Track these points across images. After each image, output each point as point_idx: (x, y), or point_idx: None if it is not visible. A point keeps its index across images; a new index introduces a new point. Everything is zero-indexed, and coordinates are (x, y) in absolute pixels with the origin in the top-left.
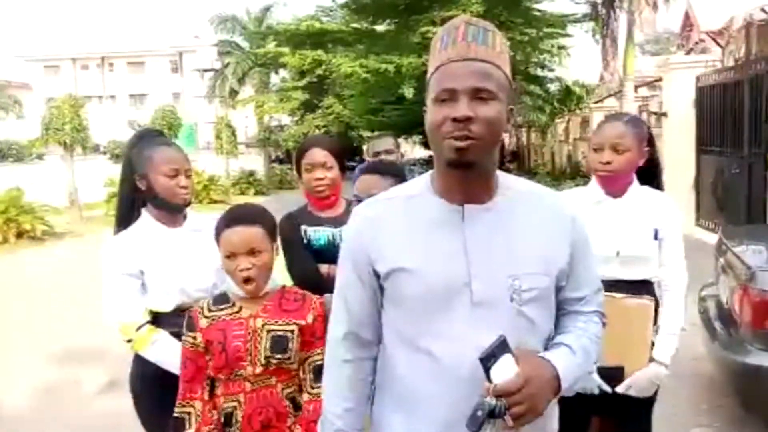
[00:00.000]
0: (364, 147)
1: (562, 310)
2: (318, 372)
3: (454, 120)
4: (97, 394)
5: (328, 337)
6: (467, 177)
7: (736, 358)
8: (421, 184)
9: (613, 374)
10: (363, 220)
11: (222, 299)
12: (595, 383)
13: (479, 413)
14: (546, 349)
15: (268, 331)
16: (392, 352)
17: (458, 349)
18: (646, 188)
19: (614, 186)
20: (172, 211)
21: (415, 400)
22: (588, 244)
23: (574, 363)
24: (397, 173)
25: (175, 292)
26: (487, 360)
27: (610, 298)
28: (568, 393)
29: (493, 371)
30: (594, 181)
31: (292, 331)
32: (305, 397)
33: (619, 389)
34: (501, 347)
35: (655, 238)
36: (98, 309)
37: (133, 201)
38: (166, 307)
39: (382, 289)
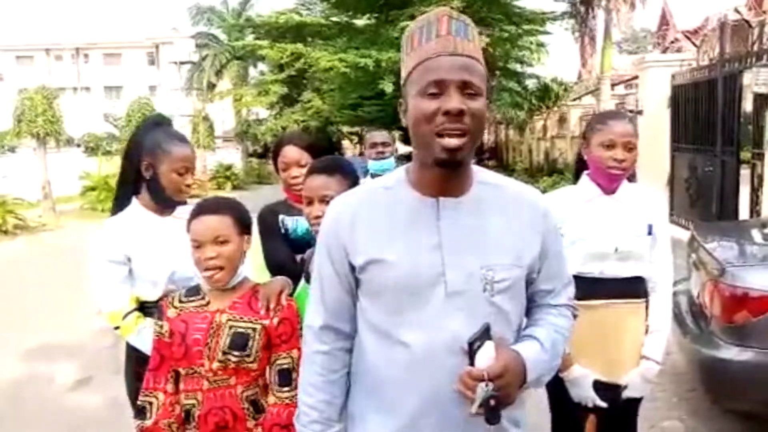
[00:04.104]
0: (343, 142)
1: (533, 303)
2: (284, 375)
3: (446, 113)
4: (69, 391)
5: (304, 327)
6: (447, 173)
7: (706, 352)
8: (397, 176)
9: (610, 390)
10: (339, 212)
11: (194, 291)
12: (590, 398)
13: (486, 399)
14: (517, 339)
15: (230, 327)
16: (366, 343)
17: (432, 339)
18: (636, 184)
19: (615, 183)
20: (169, 205)
21: (389, 390)
22: (559, 238)
23: (541, 358)
24: (345, 171)
25: (163, 280)
26: (474, 344)
27: (606, 304)
28: (534, 386)
29: (477, 356)
30: (586, 179)
31: (254, 330)
32: (270, 399)
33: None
34: (485, 334)
35: (649, 233)
36: (71, 303)
37: (133, 186)
38: (153, 295)
39: (357, 281)
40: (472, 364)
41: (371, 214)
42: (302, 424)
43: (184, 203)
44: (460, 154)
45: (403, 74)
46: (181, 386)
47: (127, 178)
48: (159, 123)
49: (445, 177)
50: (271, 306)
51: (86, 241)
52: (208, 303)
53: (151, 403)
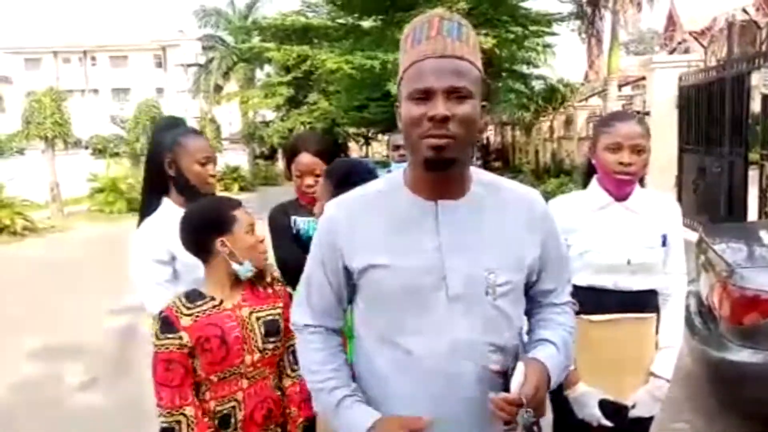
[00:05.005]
0: (349, 143)
1: (536, 303)
2: (295, 354)
3: (431, 119)
4: (77, 391)
5: (291, 325)
6: (442, 174)
7: (715, 353)
8: (394, 180)
9: (617, 409)
10: (335, 217)
11: (197, 295)
12: (595, 417)
13: (529, 425)
14: (522, 342)
15: (258, 318)
16: (368, 349)
17: (435, 344)
18: (649, 190)
19: (625, 189)
20: (199, 198)
21: (392, 397)
22: (558, 238)
23: (559, 360)
24: (336, 174)
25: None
26: (509, 370)
27: (616, 318)
28: (552, 387)
29: (513, 380)
30: (595, 184)
31: (279, 314)
32: (287, 382)
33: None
34: (515, 356)
35: (663, 244)
36: (78, 304)
37: (158, 187)
38: None
39: (355, 286)
40: (506, 389)
41: (369, 218)
42: (321, 400)
43: (209, 196)
44: (445, 153)
45: (399, 75)
46: (209, 395)
47: (152, 180)
48: (173, 123)
49: (439, 179)
50: (267, 280)
51: (92, 243)
52: (221, 302)
53: (179, 422)
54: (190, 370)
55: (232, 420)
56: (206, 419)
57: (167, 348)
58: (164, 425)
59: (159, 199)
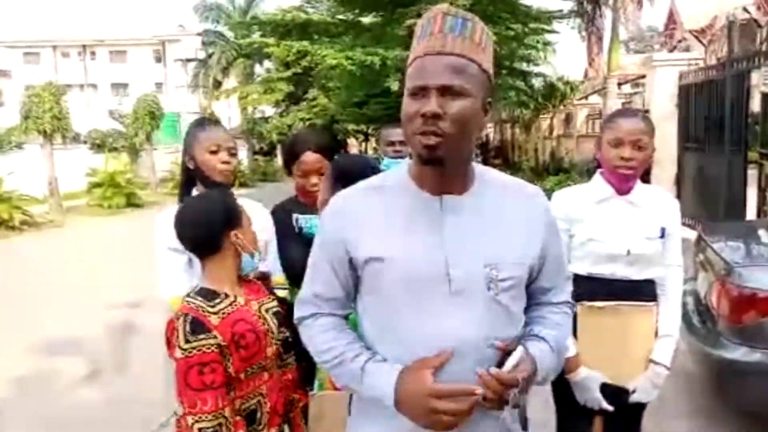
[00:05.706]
0: (348, 140)
1: (534, 299)
2: (287, 343)
3: (423, 116)
4: (75, 386)
5: (295, 320)
6: (441, 170)
7: (712, 351)
8: (399, 174)
9: (617, 394)
10: (340, 209)
11: (211, 294)
12: (597, 400)
13: (516, 406)
14: (524, 337)
15: (267, 310)
16: (370, 341)
17: (436, 337)
18: (651, 185)
19: (627, 183)
20: (216, 188)
21: None
22: (558, 236)
23: (549, 359)
24: (339, 170)
25: None
26: (511, 348)
27: (615, 306)
28: (538, 385)
29: (509, 361)
30: (598, 178)
31: (278, 306)
32: (279, 371)
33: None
34: (519, 339)
35: (662, 236)
36: (77, 299)
37: (189, 181)
38: None
39: (358, 278)
40: (499, 366)
41: (373, 212)
42: (343, 373)
43: (229, 186)
44: (436, 152)
45: (406, 71)
46: (233, 394)
47: (183, 174)
48: (200, 122)
49: (441, 174)
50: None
51: (91, 237)
52: (236, 298)
53: (220, 425)
54: (224, 370)
55: (258, 414)
56: (238, 417)
57: (200, 350)
58: (210, 430)
59: (191, 191)
